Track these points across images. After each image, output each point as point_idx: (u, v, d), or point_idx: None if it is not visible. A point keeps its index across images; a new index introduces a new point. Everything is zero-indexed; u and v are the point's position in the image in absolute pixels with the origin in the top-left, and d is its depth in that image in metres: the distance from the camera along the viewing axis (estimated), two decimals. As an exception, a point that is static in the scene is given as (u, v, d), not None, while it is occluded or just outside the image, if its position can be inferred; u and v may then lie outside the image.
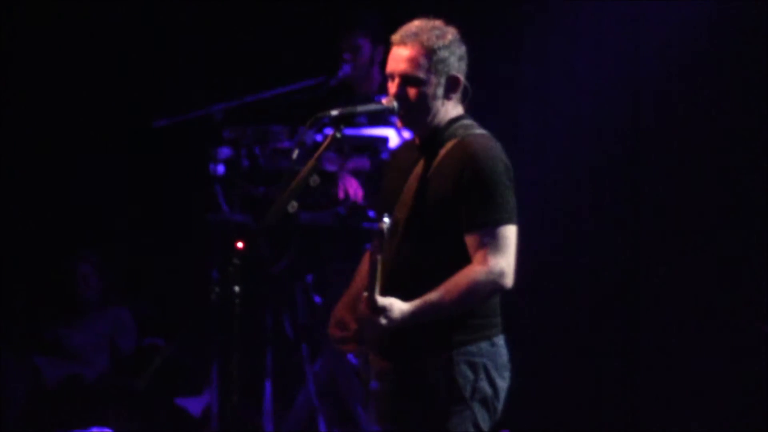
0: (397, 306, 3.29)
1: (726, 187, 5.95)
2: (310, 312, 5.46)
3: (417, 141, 3.55)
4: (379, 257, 3.24)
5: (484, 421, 3.42)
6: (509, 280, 3.37)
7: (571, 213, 6.20)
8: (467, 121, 3.51)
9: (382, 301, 3.27)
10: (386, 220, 3.21)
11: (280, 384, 5.52)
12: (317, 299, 5.50)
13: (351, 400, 5.26)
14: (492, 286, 3.35)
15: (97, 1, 6.75)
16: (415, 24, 3.47)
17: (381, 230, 3.21)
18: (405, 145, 3.72)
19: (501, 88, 6.27)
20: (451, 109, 3.49)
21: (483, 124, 3.57)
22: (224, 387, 5.14)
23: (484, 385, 3.41)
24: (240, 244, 3.39)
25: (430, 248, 3.39)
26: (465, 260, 3.36)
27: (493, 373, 3.43)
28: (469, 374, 3.39)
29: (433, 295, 3.31)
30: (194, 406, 6.01)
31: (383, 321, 3.28)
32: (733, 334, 5.84)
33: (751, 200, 5.88)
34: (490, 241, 3.33)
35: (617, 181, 6.17)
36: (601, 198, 6.17)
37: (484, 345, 3.43)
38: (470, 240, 3.35)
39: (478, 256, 3.34)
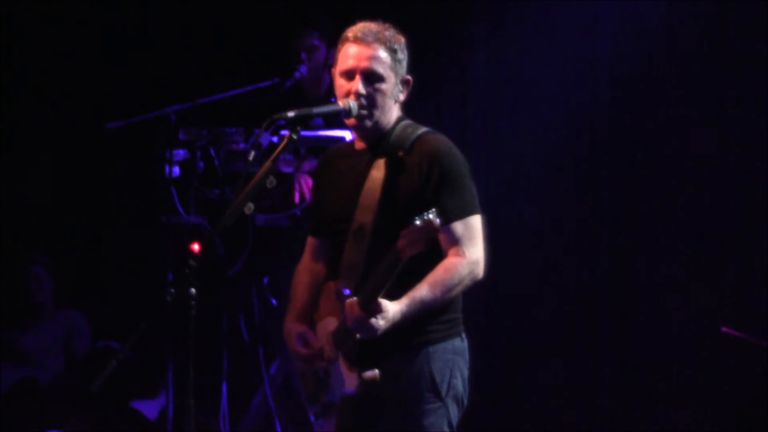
0: (391, 307, 3.29)
1: (685, 189, 5.99)
2: (266, 314, 5.45)
3: (361, 145, 3.55)
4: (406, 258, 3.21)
5: (455, 418, 3.46)
6: (482, 270, 3.42)
7: (526, 213, 6.22)
8: (410, 121, 3.56)
9: (382, 302, 3.27)
10: (432, 215, 3.16)
11: (236, 386, 5.50)
12: (273, 301, 5.49)
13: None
14: (471, 276, 3.39)
15: (50, 1, 6.69)
16: (371, 24, 3.50)
17: (435, 227, 3.16)
18: (336, 152, 3.71)
19: (451, 86, 6.31)
20: (396, 110, 3.53)
21: (436, 126, 3.62)
22: (180, 390, 5.11)
23: (457, 382, 3.46)
24: (196, 246, 3.37)
25: None
26: (437, 255, 3.39)
27: (464, 371, 3.48)
28: (446, 372, 3.42)
29: (420, 292, 3.32)
30: (149, 409, 5.97)
31: (381, 322, 3.27)
32: (696, 337, 5.89)
33: (713, 204, 5.93)
34: (464, 232, 3.39)
35: (575, 182, 6.20)
36: (558, 200, 6.20)
37: (456, 342, 3.48)
38: (443, 232, 3.36)
39: (453, 249, 3.39)
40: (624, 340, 6.05)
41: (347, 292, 3.35)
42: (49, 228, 6.80)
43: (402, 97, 3.53)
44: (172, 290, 3.21)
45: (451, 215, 3.38)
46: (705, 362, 5.86)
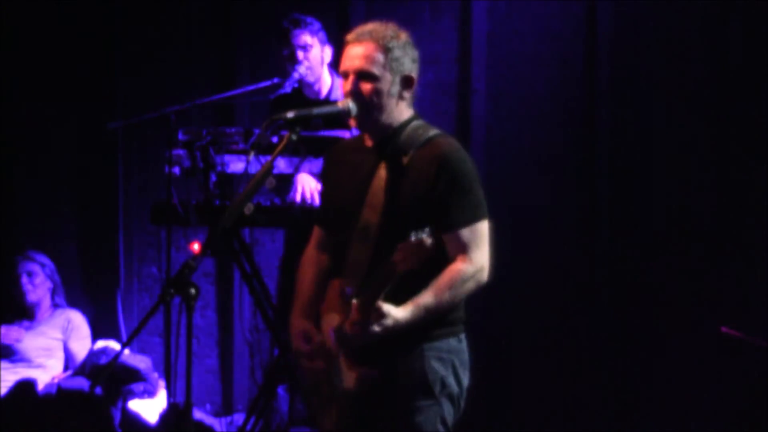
0: (393, 313, 3.30)
1: (685, 189, 5.99)
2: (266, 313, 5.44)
3: (369, 143, 3.55)
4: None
5: (449, 417, 3.46)
6: (487, 275, 3.43)
7: (525, 212, 6.22)
8: (422, 122, 3.54)
9: (386, 307, 3.28)
10: (425, 234, 3.16)
11: (236, 386, 5.51)
12: (273, 301, 5.47)
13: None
14: (476, 283, 3.41)
15: (50, 1, 6.69)
16: (370, 24, 3.50)
17: (427, 247, 3.15)
18: (347, 144, 3.71)
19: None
20: (404, 110, 3.52)
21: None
22: (180, 390, 5.11)
23: (452, 381, 3.46)
24: (196, 246, 3.37)
25: None
26: (442, 258, 3.40)
27: (460, 371, 3.48)
28: (440, 369, 3.43)
29: (424, 299, 3.34)
30: (149, 410, 5.97)
31: (377, 329, 3.29)
32: (696, 337, 5.90)
33: (713, 204, 5.93)
34: (470, 238, 3.40)
35: (575, 181, 6.20)
36: (558, 198, 6.20)
37: (453, 342, 3.48)
38: (450, 238, 3.39)
39: (460, 255, 3.39)
40: (624, 340, 6.04)
41: (350, 291, 3.35)
42: (49, 228, 6.79)
43: (406, 95, 3.51)
44: (172, 290, 3.20)
45: (459, 221, 3.39)
46: (705, 362, 5.86)
